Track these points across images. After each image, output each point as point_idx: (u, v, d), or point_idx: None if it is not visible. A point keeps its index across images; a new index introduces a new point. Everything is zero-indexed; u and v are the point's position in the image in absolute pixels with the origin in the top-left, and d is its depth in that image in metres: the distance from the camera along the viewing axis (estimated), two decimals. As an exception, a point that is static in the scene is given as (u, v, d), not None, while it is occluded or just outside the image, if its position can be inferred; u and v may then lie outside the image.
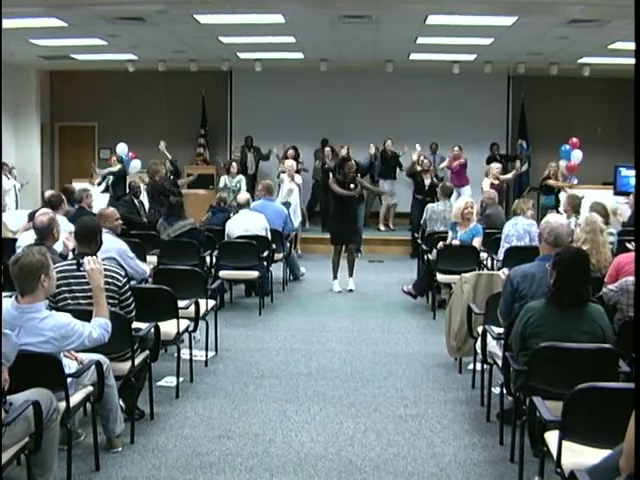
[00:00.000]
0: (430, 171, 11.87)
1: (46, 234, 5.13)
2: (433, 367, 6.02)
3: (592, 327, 3.81)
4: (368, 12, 9.41)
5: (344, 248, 8.89)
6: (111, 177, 11.92)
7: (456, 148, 12.79)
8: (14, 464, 3.47)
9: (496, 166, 11.56)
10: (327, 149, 13.54)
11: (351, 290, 9.01)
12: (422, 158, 12.00)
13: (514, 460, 4.05)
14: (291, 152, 12.87)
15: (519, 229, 7.51)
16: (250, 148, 14.18)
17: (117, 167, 12.04)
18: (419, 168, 11.86)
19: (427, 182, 11.63)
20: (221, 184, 12.09)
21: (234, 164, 12.31)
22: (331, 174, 8.84)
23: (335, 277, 9.02)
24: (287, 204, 10.39)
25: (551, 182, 10.93)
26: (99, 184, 12.06)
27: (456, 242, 7.79)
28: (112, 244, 5.68)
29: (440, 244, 7.89)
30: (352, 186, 8.71)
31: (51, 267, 3.71)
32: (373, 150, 13.15)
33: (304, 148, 13.96)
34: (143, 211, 9.99)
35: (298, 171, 12.08)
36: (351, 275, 9.06)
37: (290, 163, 11.46)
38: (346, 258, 8.95)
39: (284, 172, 11.42)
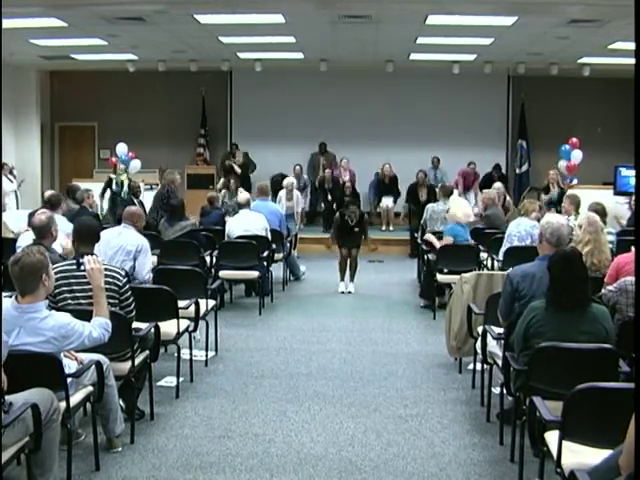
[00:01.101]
0: (425, 185, 12.44)
1: (44, 233, 5.11)
2: (433, 367, 6.02)
3: (595, 328, 3.80)
4: (368, 12, 9.42)
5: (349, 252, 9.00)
6: (121, 189, 11.22)
7: (472, 165, 12.93)
8: (14, 464, 3.47)
9: (498, 186, 11.39)
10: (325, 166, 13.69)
11: (350, 292, 9.03)
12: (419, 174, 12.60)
13: (514, 460, 4.05)
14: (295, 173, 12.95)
15: (521, 230, 7.48)
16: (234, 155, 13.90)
17: (124, 179, 11.38)
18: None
19: (423, 199, 12.09)
20: (221, 196, 11.49)
21: (232, 180, 11.92)
22: (338, 214, 9.14)
23: (342, 279, 9.09)
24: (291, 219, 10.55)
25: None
26: (102, 195, 11.32)
27: (429, 236, 8.48)
28: (136, 239, 5.71)
29: (438, 245, 8.02)
30: (356, 230, 8.90)
31: (50, 266, 3.71)
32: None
33: (304, 147, 13.99)
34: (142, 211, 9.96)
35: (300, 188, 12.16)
36: (352, 280, 9.12)
37: (290, 181, 11.41)
38: (349, 263, 9.04)
39: (280, 188, 11.35)
